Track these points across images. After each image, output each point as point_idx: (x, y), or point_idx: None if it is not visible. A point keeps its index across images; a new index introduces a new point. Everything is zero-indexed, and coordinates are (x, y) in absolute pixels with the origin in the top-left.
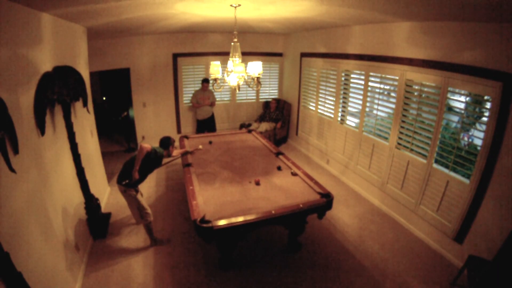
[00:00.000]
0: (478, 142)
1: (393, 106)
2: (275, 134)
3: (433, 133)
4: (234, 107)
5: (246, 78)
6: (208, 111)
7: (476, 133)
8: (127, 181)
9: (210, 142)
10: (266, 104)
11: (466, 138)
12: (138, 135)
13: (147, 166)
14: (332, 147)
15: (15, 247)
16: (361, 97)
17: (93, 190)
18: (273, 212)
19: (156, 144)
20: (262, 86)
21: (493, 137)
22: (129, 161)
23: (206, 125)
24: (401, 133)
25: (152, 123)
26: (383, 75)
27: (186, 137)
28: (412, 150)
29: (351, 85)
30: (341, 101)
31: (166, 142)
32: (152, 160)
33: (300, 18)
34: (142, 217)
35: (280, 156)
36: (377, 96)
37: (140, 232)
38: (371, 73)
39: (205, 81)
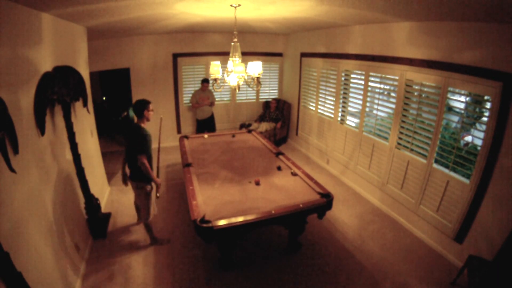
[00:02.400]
0: (478, 142)
1: (393, 106)
2: (275, 134)
3: (433, 133)
4: (234, 107)
5: (246, 78)
6: (208, 111)
7: (476, 133)
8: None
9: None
10: (266, 104)
11: (469, 138)
12: None
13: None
14: (332, 147)
15: (15, 247)
16: (361, 97)
17: (93, 190)
18: (273, 212)
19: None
20: (262, 86)
21: (493, 137)
22: (129, 155)
23: (206, 125)
24: (401, 133)
25: (152, 123)
26: (383, 75)
27: (186, 137)
28: (412, 150)
29: (351, 85)
30: (341, 101)
31: (139, 108)
32: (143, 139)
33: (300, 18)
34: (146, 213)
35: (280, 156)
36: (377, 96)
37: (140, 232)
38: (371, 73)
39: (205, 81)
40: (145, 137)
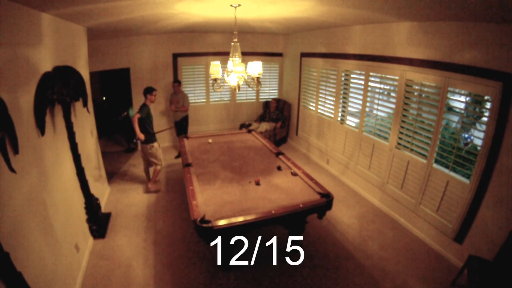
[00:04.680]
0: (478, 142)
1: (393, 106)
2: (275, 134)
3: (433, 133)
4: (234, 107)
5: (246, 78)
6: (180, 114)
7: (476, 133)
8: (135, 140)
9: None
10: (266, 104)
11: (468, 140)
12: None
13: (146, 124)
14: (332, 147)
15: (15, 247)
16: (361, 97)
17: (93, 190)
18: (273, 212)
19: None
20: (262, 86)
21: (493, 137)
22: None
23: (179, 126)
24: (401, 133)
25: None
26: (383, 75)
27: (186, 137)
28: (412, 150)
29: (351, 85)
30: (341, 101)
31: (145, 92)
32: (146, 118)
33: (300, 18)
34: (158, 161)
35: (280, 156)
36: (377, 96)
37: (140, 232)
38: (371, 73)
39: (175, 81)
40: (144, 106)
